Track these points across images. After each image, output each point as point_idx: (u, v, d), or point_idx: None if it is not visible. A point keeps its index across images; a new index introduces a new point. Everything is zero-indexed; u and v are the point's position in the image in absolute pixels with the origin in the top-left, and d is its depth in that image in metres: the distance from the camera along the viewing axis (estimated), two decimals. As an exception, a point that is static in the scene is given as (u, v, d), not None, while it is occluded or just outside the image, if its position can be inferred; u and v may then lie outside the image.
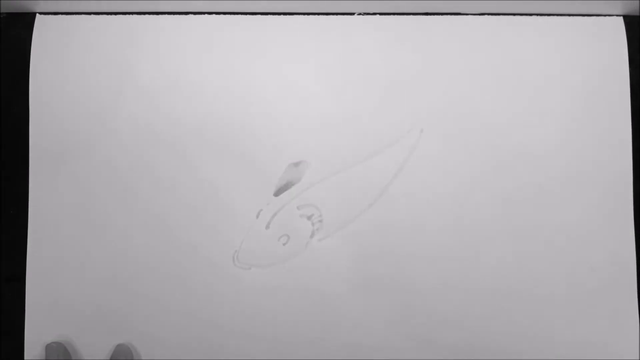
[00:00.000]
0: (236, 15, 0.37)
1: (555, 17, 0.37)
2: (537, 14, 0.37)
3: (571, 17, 0.37)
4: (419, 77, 0.36)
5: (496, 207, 0.36)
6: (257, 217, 0.36)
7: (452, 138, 0.36)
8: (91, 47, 0.36)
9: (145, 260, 0.36)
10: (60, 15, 0.37)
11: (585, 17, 0.37)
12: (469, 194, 0.36)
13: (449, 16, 0.37)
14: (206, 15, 0.37)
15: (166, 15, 0.37)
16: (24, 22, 0.37)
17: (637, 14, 0.37)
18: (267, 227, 0.36)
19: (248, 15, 0.37)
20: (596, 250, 0.36)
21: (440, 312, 0.36)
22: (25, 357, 0.35)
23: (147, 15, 0.37)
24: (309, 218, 0.36)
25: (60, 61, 0.36)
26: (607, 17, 0.37)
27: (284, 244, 0.36)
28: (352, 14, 0.37)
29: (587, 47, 0.37)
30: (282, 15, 0.37)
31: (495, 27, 0.37)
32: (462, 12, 0.37)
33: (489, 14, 0.37)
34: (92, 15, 0.37)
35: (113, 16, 0.37)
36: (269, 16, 0.37)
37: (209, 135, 0.36)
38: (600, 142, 0.36)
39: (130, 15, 0.37)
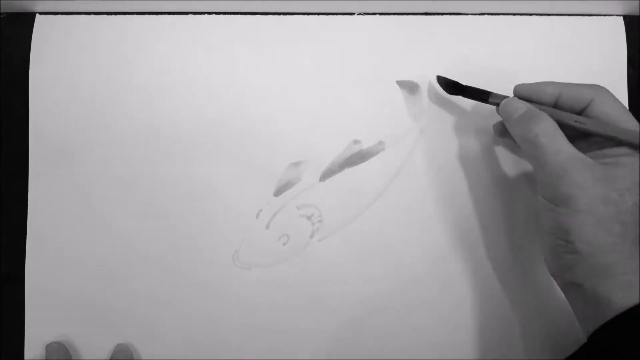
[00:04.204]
0: (236, 15, 0.37)
1: (555, 17, 0.37)
2: (537, 14, 0.37)
3: (571, 17, 0.37)
4: (419, 77, 0.36)
5: (496, 207, 0.36)
6: (257, 217, 0.36)
7: (451, 138, 0.36)
8: (91, 47, 0.36)
9: (145, 260, 0.36)
10: (60, 15, 0.37)
11: (585, 17, 0.37)
12: (469, 194, 0.36)
13: (449, 16, 0.37)
14: (206, 15, 0.37)
15: (166, 15, 0.37)
16: (24, 22, 0.37)
17: (637, 14, 0.37)
18: (267, 227, 0.36)
19: (248, 15, 0.37)
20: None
21: (440, 312, 0.36)
22: (25, 357, 0.35)
23: (147, 15, 0.37)
24: (309, 218, 0.36)
25: (60, 61, 0.36)
26: (607, 17, 0.37)
27: (284, 244, 0.36)
28: (352, 14, 0.37)
29: (587, 47, 0.37)
30: (282, 15, 0.37)
31: (495, 27, 0.37)
32: (462, 12, 0.37)
33: (489, 14, 0.37)
34: (92, 15, 0.37)
35: (113, 16, 0.37)
36: (269, 16, 0.37)
37: (209, 135, 0.36)
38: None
39: (130, 15, 0.37)
